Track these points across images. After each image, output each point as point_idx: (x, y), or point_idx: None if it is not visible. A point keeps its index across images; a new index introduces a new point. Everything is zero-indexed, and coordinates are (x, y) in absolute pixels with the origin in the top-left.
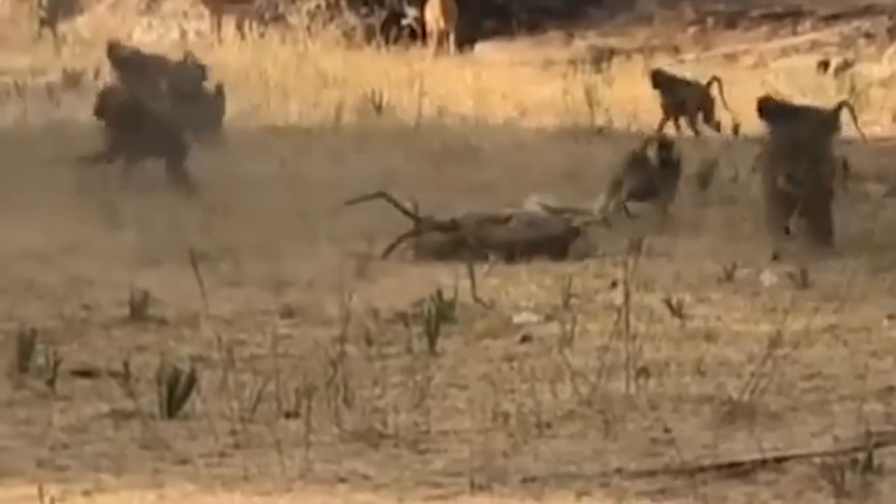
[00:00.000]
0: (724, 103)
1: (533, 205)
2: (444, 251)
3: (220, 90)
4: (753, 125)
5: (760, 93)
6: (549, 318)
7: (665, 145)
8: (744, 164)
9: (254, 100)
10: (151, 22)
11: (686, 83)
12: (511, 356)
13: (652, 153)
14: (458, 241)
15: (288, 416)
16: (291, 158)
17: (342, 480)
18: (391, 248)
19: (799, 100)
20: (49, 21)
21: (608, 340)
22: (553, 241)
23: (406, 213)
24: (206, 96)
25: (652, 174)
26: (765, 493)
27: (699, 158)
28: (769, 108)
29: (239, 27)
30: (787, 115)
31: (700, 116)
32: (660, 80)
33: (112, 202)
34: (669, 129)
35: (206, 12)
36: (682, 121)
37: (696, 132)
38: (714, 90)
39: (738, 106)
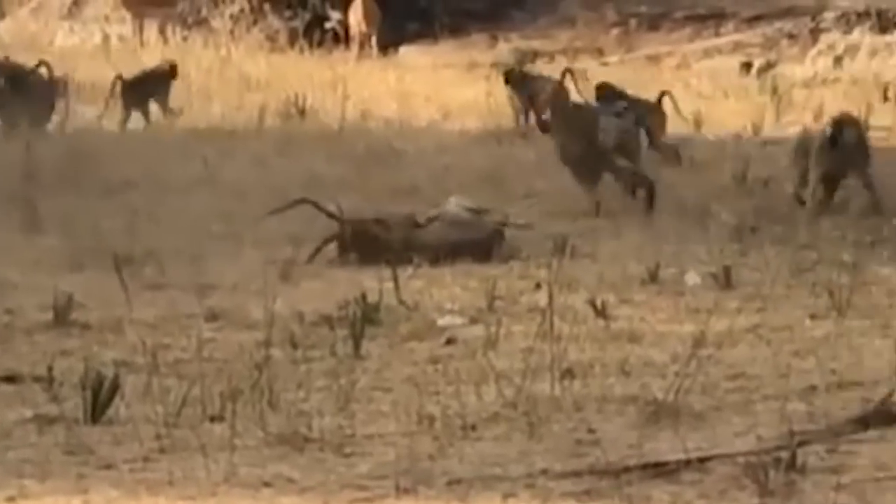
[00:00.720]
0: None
1: (454, 206)
2: (368, 254)
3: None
4: (676, 128)
5: (684, 94)
6: (473, 321)
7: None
8: (667, 165)
9: (177, 103)
10: (73, 26)
11: (540, 78)
12: (436, 359)
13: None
14: (384, 244)
15: (213, 420)
16: (215, 162)
17: (267, 484)
18: (316, 251)
19: (721, 101)
20: None
21: (533, 342)
22: (477, 244)
23: (330, 215)
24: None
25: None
26: (689, 492)
27: None
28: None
29: (161, 31)
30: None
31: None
32: (512, 78)
33: (34, 206)
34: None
35: (129, 16)
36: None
37: (543, 129)
38: (665, 105)
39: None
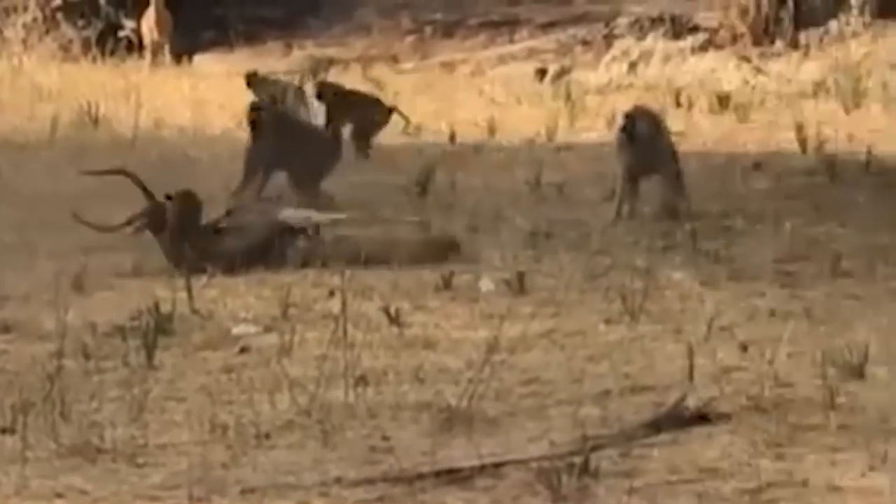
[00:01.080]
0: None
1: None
2: (162, 263)
3: None
4: (469, 133)
5: (479, 101)
6: (267, 329)
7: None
8: (461, 171)
9: None
10: None
11: (276, 83)
12: (230, 367)
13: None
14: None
15: (3, 431)
16: (7, 173)
17: (59, 496)
18: (127, 223)
19: (515, 107)
20: None
21: (326, 349)
22: (261, 248)
23: (145, 190)
24: None
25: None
26: (483, 498)
27: (419, 165)
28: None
29: None
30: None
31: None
32: (253, 81)
33: None
34: None
35: None
36: None
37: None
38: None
39: (456, 113)
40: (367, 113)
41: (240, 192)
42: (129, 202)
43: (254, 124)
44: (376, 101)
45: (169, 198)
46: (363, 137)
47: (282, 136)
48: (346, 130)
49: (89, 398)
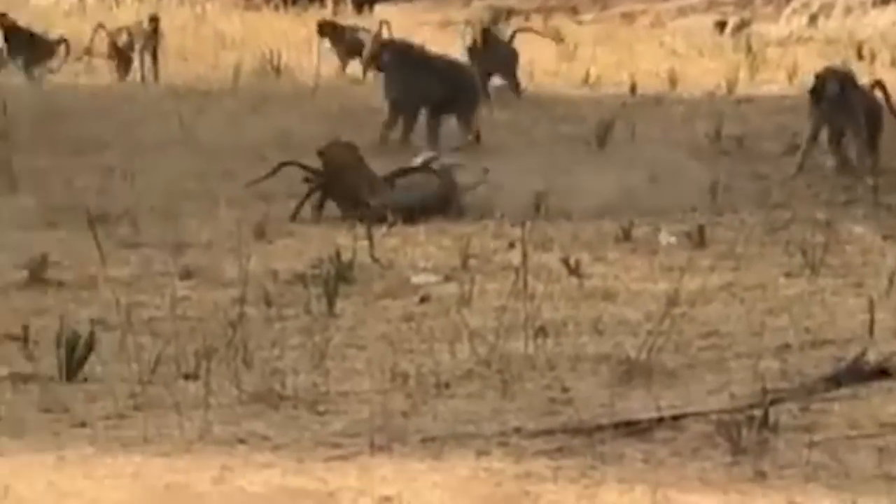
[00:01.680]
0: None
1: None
2: (347, 209)
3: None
4: (650, 84)
5: (659, 53)
6: (447, 279)
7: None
8: (641, 123)
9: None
10: None
11: (353, 30)
12: (409, 317)
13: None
14: (362, 200)
15: (187, 377)
16: (190, 120)
17: (241, 441)
18: (298, 208)
19: (695, 59)
20: None
21: (506, 300)
22: (432, 204)
23: (313, 172)
24: None
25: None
26: (662, 450)
27: (596, 118)
28: None
29: None
30: None
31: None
32: (327, 30)
33: (9, 166)
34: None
35: None
36: None
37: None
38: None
39: (636, 65)
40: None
41: (386, 133)
42: (308, 150)
43: (381, 63)
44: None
45: (320, 154)
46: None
47: (419, 73)
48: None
49: (271, 345)
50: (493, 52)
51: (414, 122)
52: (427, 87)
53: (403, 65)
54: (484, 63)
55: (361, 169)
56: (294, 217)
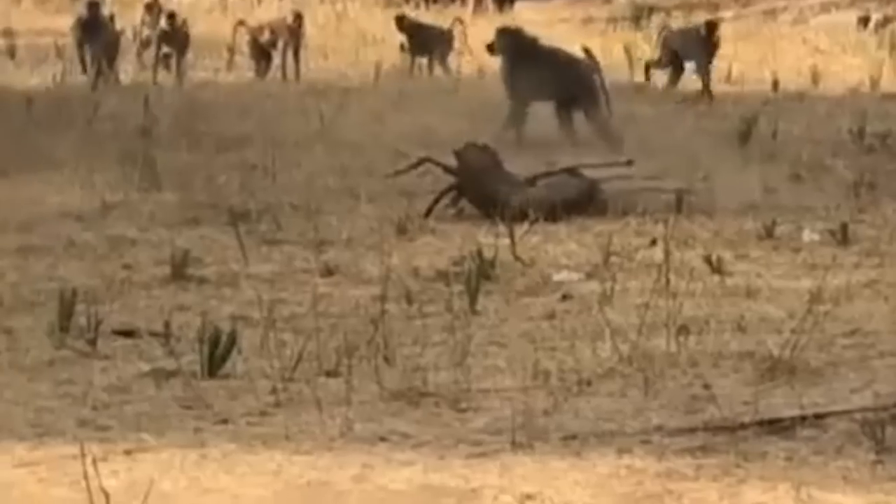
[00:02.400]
0: (466, 48)
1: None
2: (485, 208)
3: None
4: (792, 81)
5: (801, 49)
6: (589, 276)
7: None
8: (784, 120)
9: (292, 59)
10: None
11: (429, 28)
12: (551, 314)
13: None
14: (500, 200)
15: (328, 374)
16: (331, 117)
17: (383, 439)
18: (431, 206)
19: (838, 56)
20: None
21: (648, 298)
22: (572, 204)
23: (450, 171)
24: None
25: None
26: (805, 449)
27: (738, 115)
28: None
29: None
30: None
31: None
32: (404, 25)
33: (152, 162)
34: None
35: None
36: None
37: (445, 69)
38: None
39: (778, 62)
40: None
41: (509, 125)
42: (449, 147)
43: (505, 49)
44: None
45: (457, 153)
46: None
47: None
48: None
49: (412, 342)
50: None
51: (523, 112)
52: (541, 79)
53: (518, 52)
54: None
55: (498, 171)
56: (428, 213)
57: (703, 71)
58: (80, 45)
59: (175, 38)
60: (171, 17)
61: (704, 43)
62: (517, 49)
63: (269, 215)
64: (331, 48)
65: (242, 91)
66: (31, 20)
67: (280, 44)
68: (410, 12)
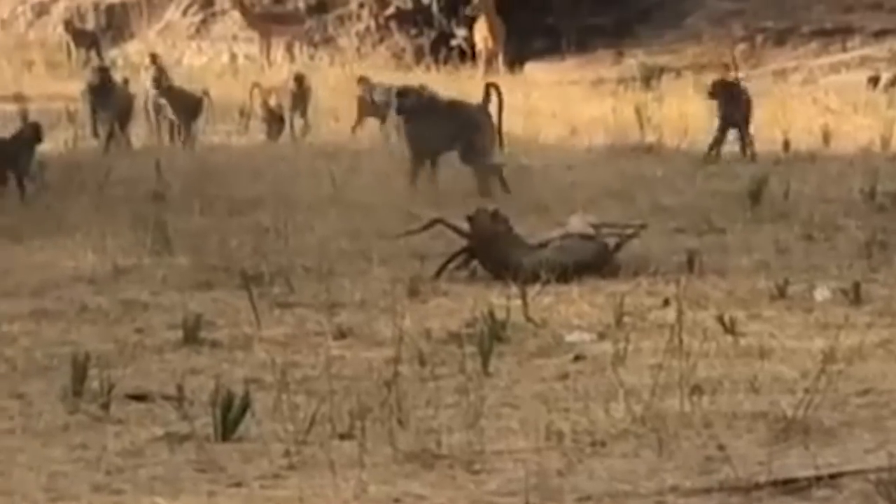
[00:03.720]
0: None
1: (576, 224)
2: (497, 270)
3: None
4: (803, 141)
5: (812, 109)
6: (601, 337)
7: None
8: (795, 180)
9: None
10: (201, 46)
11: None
12: (564, 375)
13: None
14: (512, 262)
15: (342, 437)
16: (342, 179)
17: (397, 501)
18: (442, 268)
19: (849, 116)
20: (94, 46)
21: (661, 358)
22: (584, 267)
23: (461, 234)
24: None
25: None
26: None
27: (750, 175)
28: None
29: (289, 49)
30: None
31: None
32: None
33: (163, 225)
34: None
35: (256, 35)
36: None
37: None
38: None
39: (789, 122)
40: None
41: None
42: (461, 208)
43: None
44: None
45: (469, 218)
46: None
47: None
48: None
49: (425, 404)
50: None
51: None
52: (439, 133)
53: (416, 111)
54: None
55: (510, 238)
56: (438, 275)
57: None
58: (91, 110)
59: (182, 103)
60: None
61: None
62: (415, 108)
63: (281, 278)
64: (341, 111)
65: (254, 154)
66: (43, 85)
67: (286, 106)
68: (422, 74)
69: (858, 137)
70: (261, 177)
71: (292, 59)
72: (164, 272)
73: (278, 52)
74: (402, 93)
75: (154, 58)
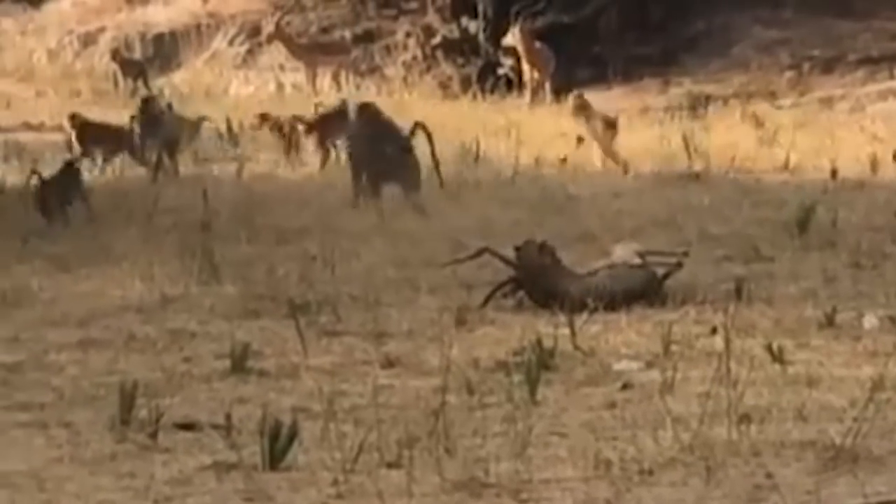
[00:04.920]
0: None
1: (622, 253)
2: (544, 300)
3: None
4: (851, 169)
5: (859, 137)
6: (649, 365)
7: None
8: (843, 208)
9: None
10: (248, 75)
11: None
12: (612, 403)
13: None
14: (560, 291)
15: (390, 466)
16: (389, 208)
17: None
18: (490, 295)
19: None
20: (141, 75)
21: (709, 386)
22: (633, 295)
23: (509, 263)
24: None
25: None
26: None
27: (797, 203)
28: None
29: (335, 78)
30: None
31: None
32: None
33: (211, 255)
34: None
35: (302, 65)
36: None
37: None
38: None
39: (836, 150)
40: None
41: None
42: (508, 237)
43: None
44: None
45: (517, 249)
46: None
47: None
48: None
49: (473, 433)
50: None
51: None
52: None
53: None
54: None
55: (557, 269)
56: (485, 303)
57: None
58: (140, 139)
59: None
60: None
61: None
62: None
63: (328, 307)
64: None
65: (301, 183)
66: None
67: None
68: (465, 102)
69: None
70: (307, 206)
71: (339, 88)
72: (212, 301)
73: (325, 82)
74: None
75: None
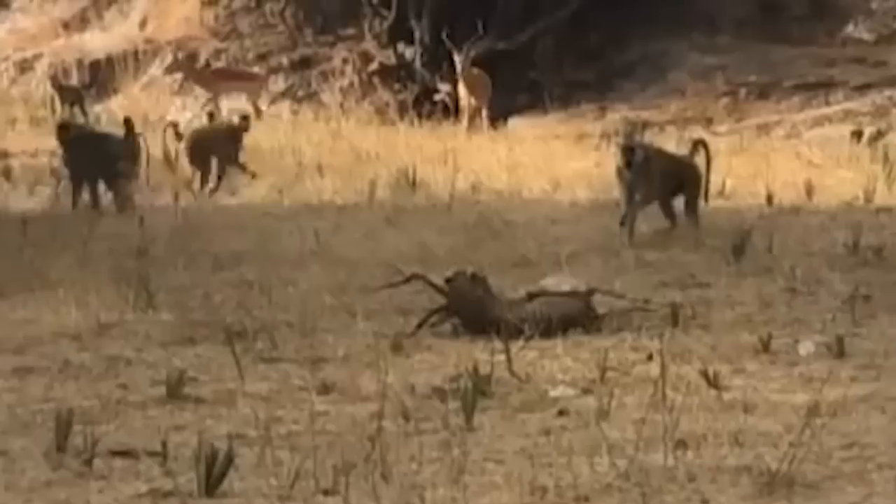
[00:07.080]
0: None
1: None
2: (476, 326)
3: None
4: (786, 195)
5: (795, 163)
6: (585, 392)
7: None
8: (778, 234)
9: (288, 177)
10: (185, 101)
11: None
12: (548, 430)
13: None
14: (491, 318)
15: (326, 493)
16: (326, 235)
17: None
18: (421, 324)
19: (832, 169)
20: (78, 102)
21: (645, 413)
22: (568, 322)
23: (439, 291)
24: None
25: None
26: None
27: (733, 229)
28: None
29: (254, 105)
30: None
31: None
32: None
33: (146, 282)
34: None
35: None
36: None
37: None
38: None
39: (772, 175)
40: None
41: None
42: (445, 263)
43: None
44: None
45: (447, 280)
46: None
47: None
48: None
49: (409, 459)
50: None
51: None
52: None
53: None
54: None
55: (488, 300)
56: (417, 330)
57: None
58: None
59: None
60: None
61: None
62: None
63: (265, 333)
64: (326, 166)
65: (237, 209)
66: (25, 142)
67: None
68: (402, 128)
69: (841, 191)
70: (244, 232)
71: (258, 114)
72: (148, 328)
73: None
74: None
75: None
